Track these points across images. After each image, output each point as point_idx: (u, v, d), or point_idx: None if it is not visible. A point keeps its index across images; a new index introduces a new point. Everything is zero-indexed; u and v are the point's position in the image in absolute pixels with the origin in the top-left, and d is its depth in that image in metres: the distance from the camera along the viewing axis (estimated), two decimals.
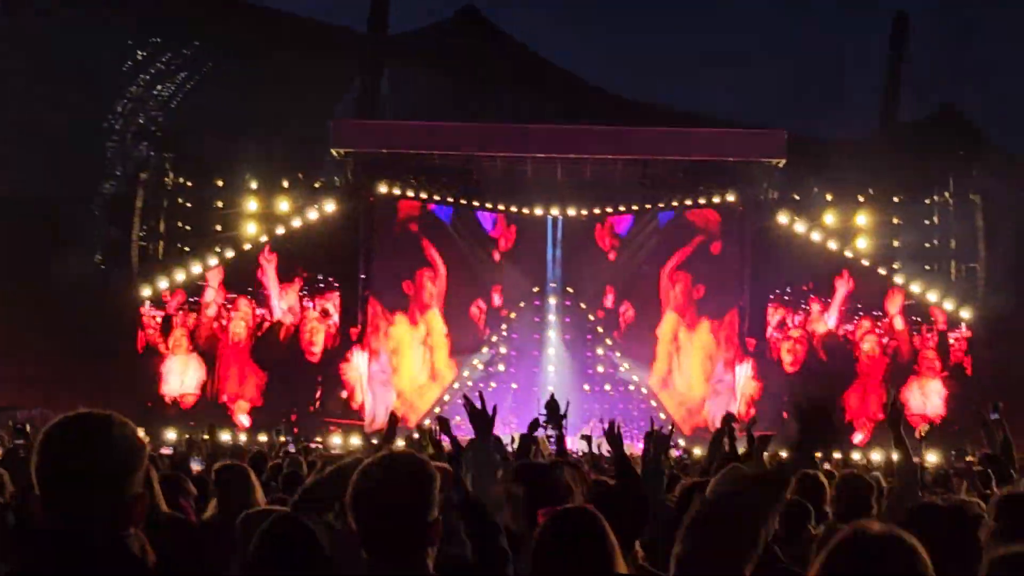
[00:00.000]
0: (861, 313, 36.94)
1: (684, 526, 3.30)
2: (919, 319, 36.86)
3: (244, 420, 35.35)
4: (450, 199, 37.13)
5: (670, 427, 10.34)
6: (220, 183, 37.22)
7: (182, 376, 36.22)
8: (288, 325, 36.71)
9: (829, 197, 36.99)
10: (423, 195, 36.97)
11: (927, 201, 38.06)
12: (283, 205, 36.26)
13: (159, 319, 36.45)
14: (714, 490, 5.57)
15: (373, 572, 3.54)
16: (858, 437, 34.79)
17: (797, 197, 36.83)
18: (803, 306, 37.10)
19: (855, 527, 2.95)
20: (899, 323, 36.76)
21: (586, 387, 37.66)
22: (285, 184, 36.76)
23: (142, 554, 3.17)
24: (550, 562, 3.98)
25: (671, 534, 3.56)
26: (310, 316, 36.90)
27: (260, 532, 4.29)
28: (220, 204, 37.12)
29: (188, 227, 37.54)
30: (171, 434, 30.73)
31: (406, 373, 37.52)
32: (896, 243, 37.40)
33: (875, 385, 34.98)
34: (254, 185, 36.69)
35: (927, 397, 35.93)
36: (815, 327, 36.90)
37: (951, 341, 36.67)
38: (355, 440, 32.53)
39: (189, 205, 37.59)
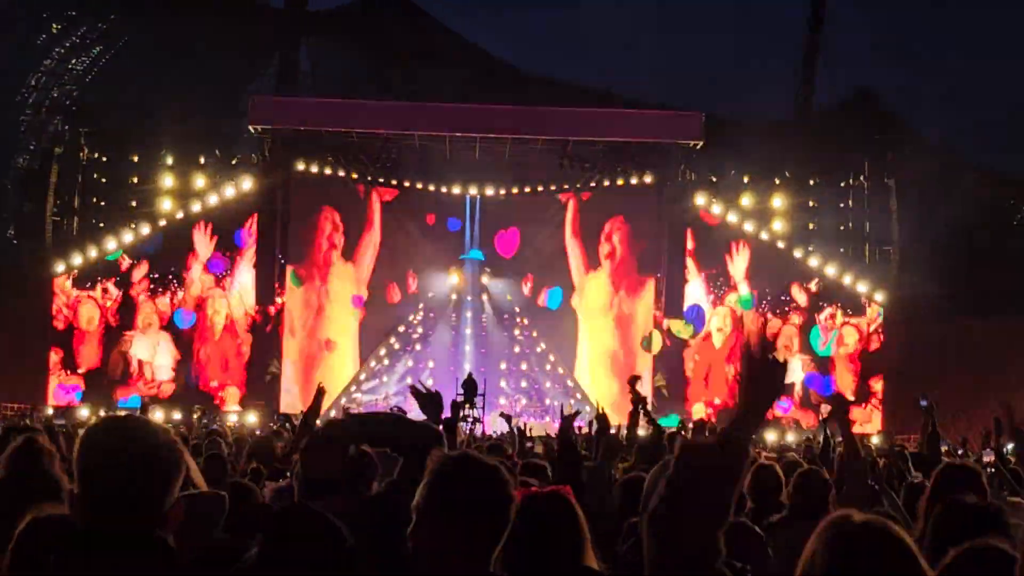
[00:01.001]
0: (768, 297, 37.29)
1: (657, 498, 3.14)
2: (825, 303, 37.25)
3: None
4: (368, 177, 37.05)
5: (575, 411, 10.48)
6: (135, 158, 36.72)
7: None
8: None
9: (746, 179, 37.37)
10: (341, 173, 36.83)
11: (842, 184, 38.54)
12: (199, 182, 35.90)
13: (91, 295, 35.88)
14: (679, 462, 5.44)
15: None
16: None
17: (714, 179, 37.11)
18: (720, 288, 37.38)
19: (838, 517, 2.86)
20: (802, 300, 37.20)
21: (503, 365, 37.79)
22: (201, 160, 36.38)
23: (175, 556, 3.19)
24: (518, 545, 3.78)
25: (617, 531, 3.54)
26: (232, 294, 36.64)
27: (272, 525, 3.99)
28: (135, 179, 36.63)
29: (103, 202, 37.04)
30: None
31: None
32: (811, 225, 37.86)
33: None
34: (170, 161, 36.28)
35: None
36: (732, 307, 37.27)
37: (862, 324, 37.23)
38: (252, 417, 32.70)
39: (104, 180, 37.08)
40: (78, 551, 3.11)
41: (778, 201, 37.24)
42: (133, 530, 3.10)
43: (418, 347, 38.13)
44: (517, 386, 37.64)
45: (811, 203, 38.20)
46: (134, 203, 36.32)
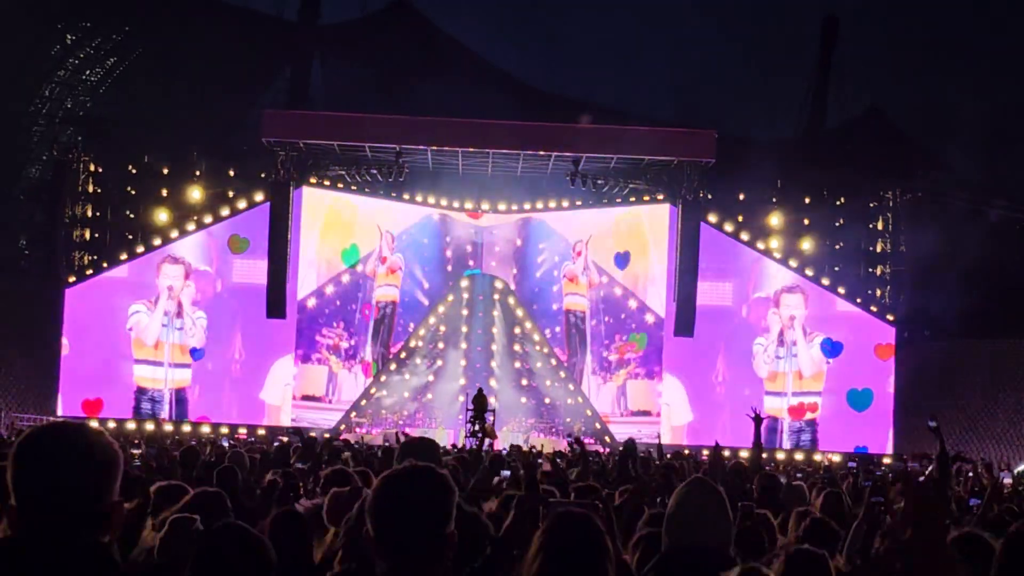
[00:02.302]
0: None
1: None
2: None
3: None
4: (380, 192, 37.10)
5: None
6: (155, 169, 36.95)
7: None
8: None
9: (741, 196, 37.63)
10: (353, 187, 36.89)
11: (841, 201, 38.64)
12: (217, 194, 36.21)
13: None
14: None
15: None
16: None
17: (716, 196, 37.14)
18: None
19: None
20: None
21: (513, 382, 37.74)
22: (231, 174, 36.81)
23: (119, 561, 3.22)
24: (550, 562, 4.07)
25: None
26: None
27: (203, 545, 4.22)
28: (157, 191, 36.84)
29: (114, 213, 37.20)
30: None
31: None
32: (837, 246, 38.11)
33: None
34: (198, 172, 36.71)
35: None
36: None
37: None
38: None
39: (116, 191, 37.23)
40: (8, 564, 3.08)
41: (784, 219, 37.39)
42: (68, 536, 3.09)
43: (434, 360, 38.06)
44: (528, 402, 37.55)
45: (838, 223, 38.39)
46: (154, 214, 36.44)
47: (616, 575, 4.50)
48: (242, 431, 34.31)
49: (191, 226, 36.10)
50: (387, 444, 20.79)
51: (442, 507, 3.60)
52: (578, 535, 4.20)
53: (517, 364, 38.05)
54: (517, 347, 38.18)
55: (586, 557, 4.15)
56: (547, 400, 37.52)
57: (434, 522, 3.56)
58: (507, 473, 11.41)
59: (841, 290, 36.79)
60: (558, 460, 15.31)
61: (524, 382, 37.84)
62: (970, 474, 19.59)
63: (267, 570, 4.04)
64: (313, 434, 18.87)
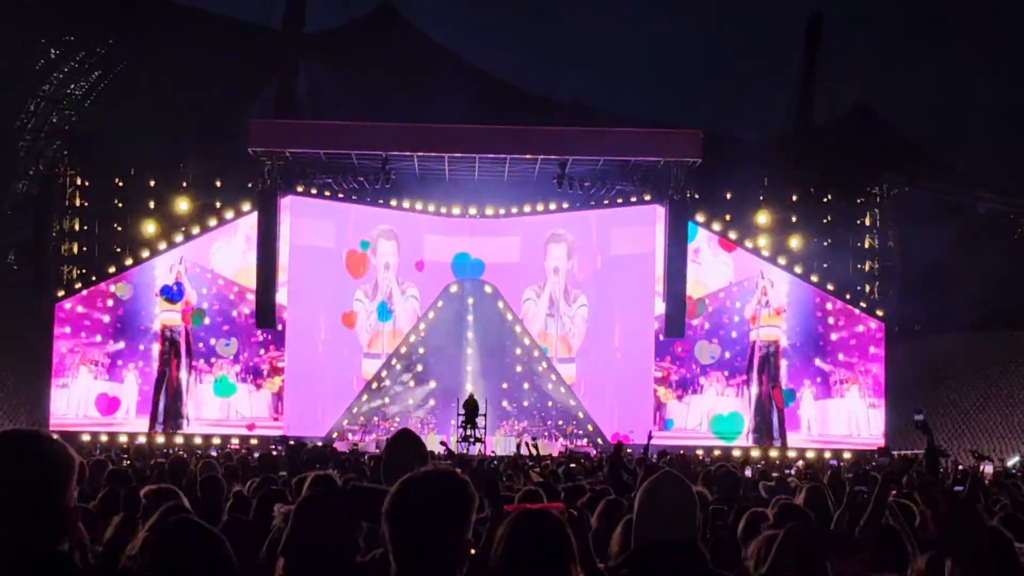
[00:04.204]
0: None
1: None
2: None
3: None
4: (367, 199, 37.08)
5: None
6: (142, 182, 36.97)
7: None
8: None
9: (729, 195, 37.69)
10: (340, 195, 36.88)
11: (829, 198, 38.73)
12: (205, 205, 36.23)
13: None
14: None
15: None
16: None
17: (703, 195, 37.15)
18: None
19: None
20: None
21: (504, 385, 37.71)
22: (218, 184, 36.81)
23: (79, 565, 3.23)
24: (511, 560, 4.07)
25: None
26: None
27: (156, 539, 4.20)
28: (144, 203, 36.85)
29: (102, 226, 37.20)
30: None
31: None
32: (825, 243, 38.24)
33: None
34: (185, 184, 36.75)
35: None
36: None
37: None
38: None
39: (103, 204, 37.24)
40: None
41: (779, 217, 37.46)
42: (31, 542, 3.11)
43: (419, 368, 38.06)
44: (519, 407, 37.52)
45: (826, 219, 38.51)
46: (141, 227, 36.45)
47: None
48: (234, 441, 34.28)
49: (179, 237, 36.03)
50: (379, 451, 20.78)
51: (461, 512, 3.59)
52: (538, 535, 4.19)
53: (514, 368, 38.06)
54: (514, 351, 38.23)
55: (546, 557, 4.15)
56: (540, 403, 37.50)
57: (452, 527, 3.55)
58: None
59: (830, 287, 36.80)
60: (572, 465, 15.29)
61: (520, 386, 37.83)
62: (960, 467, 19.63)
63: (226, 564, 4.04)
64: (292, 442, 18.80)
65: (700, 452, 33.52)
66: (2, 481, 3.13)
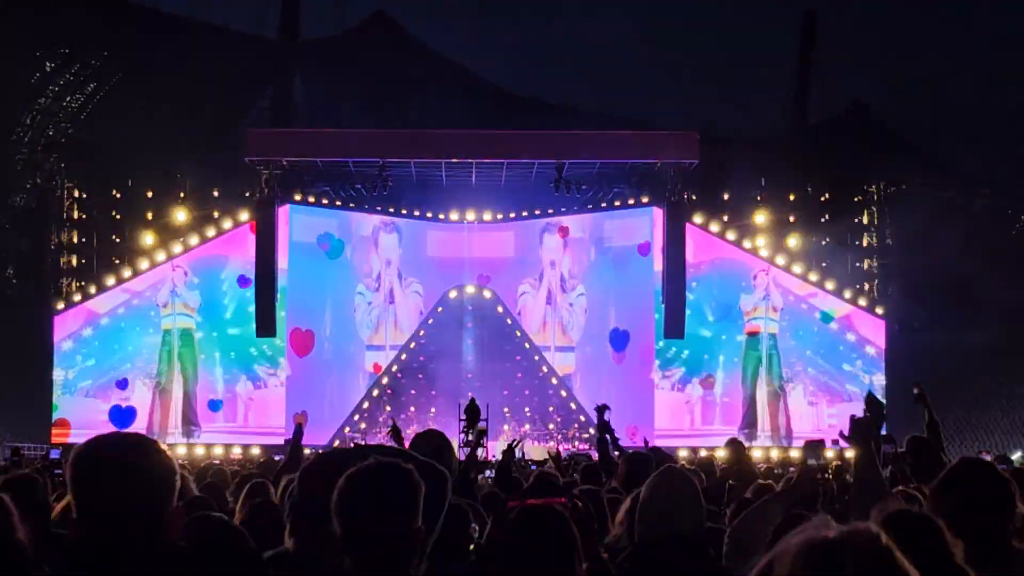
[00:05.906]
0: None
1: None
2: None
3: None
4: (365, 206, 37.09)
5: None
6: (139, 193, 36.99)
7: None
8: None
9: (726, 196, 37.72)
10: (337, 203, 36.89)
11: (826, 197, 38.76)
12: (203, 215, 36.23)
13: None
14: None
15: None
16: None
17: (700, 197, 37.18)
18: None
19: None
20: None
21: (505, 392, 37.66)
22: (215, 194, 36.85)
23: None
24: (514, 555, 4.15)
25: None
26: None
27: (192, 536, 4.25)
28: (142, 214, 36.85)
29: (100, 238, 37.21)
30: None
31: None
32: (823, 241, 38.28)
33: None
34: (182, 194, 36.78)
35: None
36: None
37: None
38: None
39: (101, 217, 37.26)
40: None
41: (781, 219, 37.52)
42: (128, 541, 3.19)
43: (426, 371, 38.02)
44: (520, 411, 37.48)
45: (822, 217, 38.51)
46: (139, 239, 36.41)
47: (590, 570, 4.50)
48: (236, 450, 34.23)
49: (177, 248, 36.00)
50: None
51: (407, 502, 3.61)
52: (541, 529, 4.19)
53: (515, 374, 38.04)
54: (514, 357, 38.23)
55: (550, 550, 4.14)
56: (541, 408, 37.47)
57: (399, 518, 3.58)
58: (491, 473, 11.39)
59: (829, 285, 36.77)
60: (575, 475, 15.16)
61: (521, 391, 37.80)
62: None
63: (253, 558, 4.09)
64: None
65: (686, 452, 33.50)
66: (109, 489, 3.21)
